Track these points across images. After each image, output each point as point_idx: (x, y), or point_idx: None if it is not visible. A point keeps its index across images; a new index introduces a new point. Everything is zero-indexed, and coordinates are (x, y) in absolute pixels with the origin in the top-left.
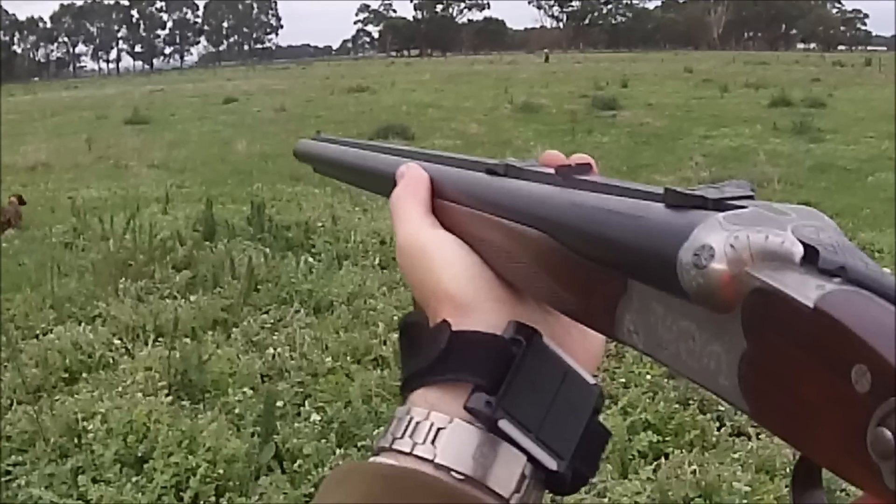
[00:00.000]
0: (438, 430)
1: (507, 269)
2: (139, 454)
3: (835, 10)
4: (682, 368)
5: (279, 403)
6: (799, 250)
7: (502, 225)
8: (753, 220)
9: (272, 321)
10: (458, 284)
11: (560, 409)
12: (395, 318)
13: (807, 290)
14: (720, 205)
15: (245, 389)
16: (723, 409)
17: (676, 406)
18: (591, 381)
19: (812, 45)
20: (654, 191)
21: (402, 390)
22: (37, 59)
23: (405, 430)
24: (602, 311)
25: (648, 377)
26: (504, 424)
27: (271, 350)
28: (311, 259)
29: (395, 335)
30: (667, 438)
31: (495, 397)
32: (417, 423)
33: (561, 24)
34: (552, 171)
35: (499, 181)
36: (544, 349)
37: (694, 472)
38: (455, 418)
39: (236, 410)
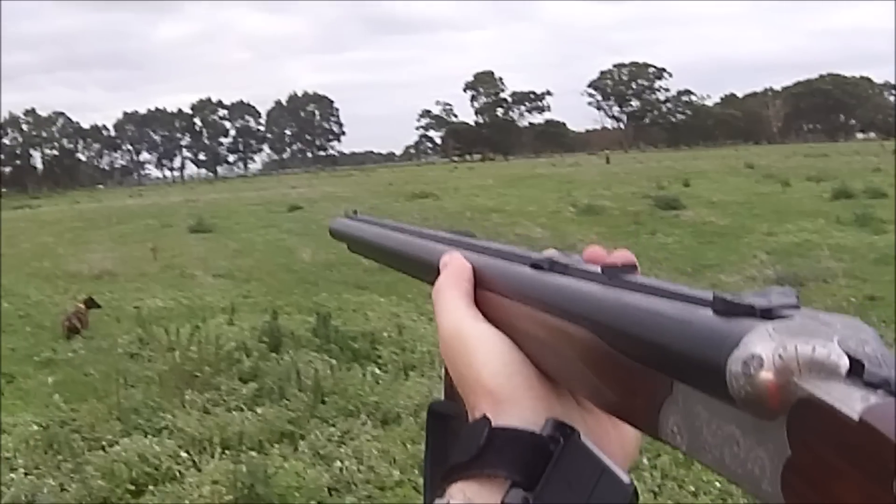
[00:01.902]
0: None
1: (549, 364)
2: None
3: (892, 98)
4: (725, 472)
5: None
6: (845, 363)
7: (547, 321)
8: (801, 330)
9: (339, 433)
10: (498, 381)
11: None
12: None
13: (852, 402)
14: (767, 314)
15: (312, 503)
16: None
17: None
18: (626, 479)
19: (871, 134)
20: (701, 296)
21: (442, 482)
22: (101, 166)
23: None
24: (646, 411)
25: (718, 485)
26: None
27: (338, 463)
28: (377, 370)
29: None
30: None
31: (532, 494)
32: None
33: (621, 124)
34: (597, 269)
35: (543, 276)
36: (581, 447)
37: None
38: None
39: None
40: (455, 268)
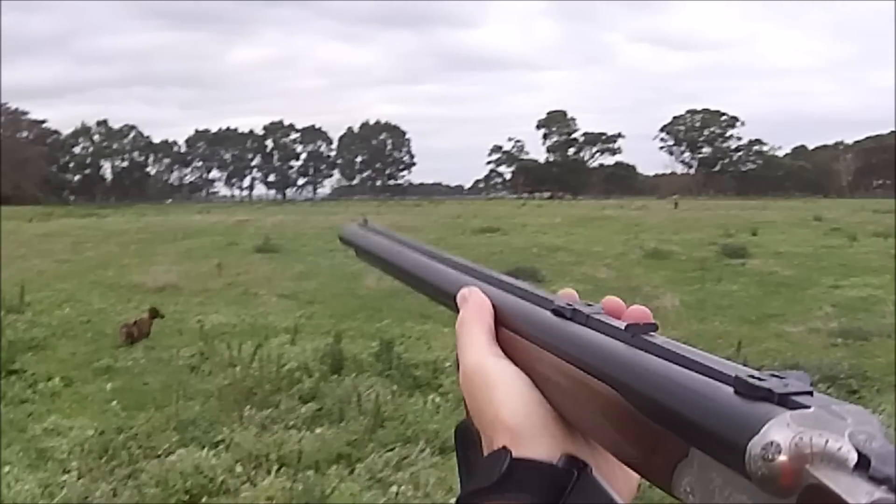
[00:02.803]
0: None
1: (567, 409)
2: None
3: None
4: None
5: None
6: (853, 457)
7: (569, 371)
8: (816, 422)
9: (396, 459)
10: (517, 420)
11: None
12: None
13: (857, 494)
14: (785, 400)
15: None
16: None
17: None
18: None
19: None
20: (723, 370)
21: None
22: (170, 181)
23: None
24: (662, 468)
25: None
26: None
27: (395, 488)
28: (437, 399)
29: None
30: None
31: None
32: None
33: (691, 170)
34: (621, 325)
35: (566, 326)
36: (593, 481)
37: None
38: None
39: None
40: (476, 304)
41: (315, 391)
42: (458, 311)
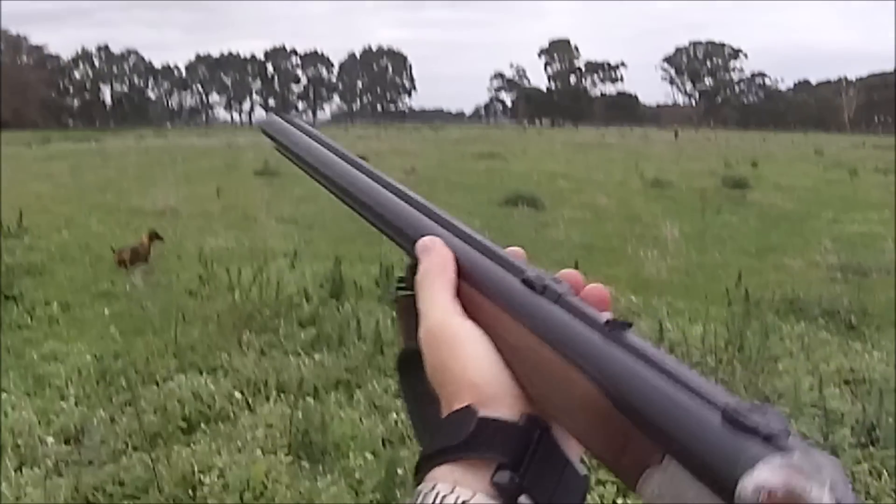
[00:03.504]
0: (464, 502)
1: (535, 386)
2: None
3: None
4: None
5: (399, 471)
6: None
7: (544, 352)
8: (802, 468)
9: (395, 386)
10: (485, 379)
11: (562, 492)
12: None
13: None
14: (771, 439)
15: (366, 454)
16: None
17: None
18: (583, 472)
19: None
20: (709, 395)
21: (423, 465)
22: (170, 105)
23: (434, 501)
24: (630, 467)
25: None
26: (524, 499)
27: (394, 415)
28: None
29: None
30: None
31: (517, 474)
32: (444, 496)
33: (693, 101)
34: (598, 316)
35: (539, 301)
36: (553, 442)
37: None
38: (477, 492)
39: (356, 475)
40: (439, 256)
41: (314, 316)
42: (407, 251)
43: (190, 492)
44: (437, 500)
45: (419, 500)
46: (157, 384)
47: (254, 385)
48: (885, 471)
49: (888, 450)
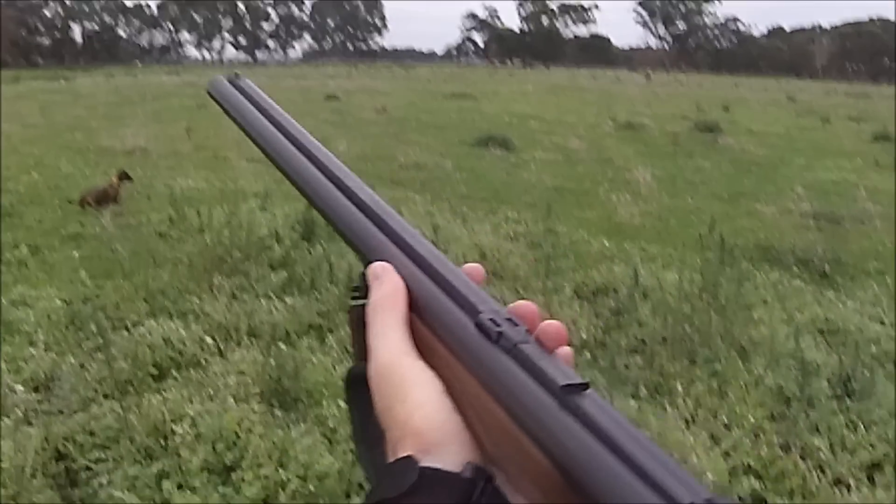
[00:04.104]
0: None
1: (488, 444)
2: (227, 463)
3: None
4: None
5: None
6: None
7: (497, 413)
8: None
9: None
10: (429, 426)
11: None
12: None
13: None
14: None
15: (339, 402)
16: (824, 456)
17: (779, 451)
18: None
19: None
20: (669, 489)
21: None
22: (141, 44)
23: None
24: None
25: (751, 419)
26: None
27: None
28: None
29: None
30: (767, 485)
31: None
32: None
33: (665, 45)
34: (555, 377)
35: (494, 354)
36: (497, 492)
37: None
38: None
39: (329, 423)
40: (391, 287)
41: (286, 259)
42: (360, 258)
43: (162, 441)
44: None
45: None
46: (128, 329)
47: (225, 330)
48: (861, 423)
49: (864, 402)
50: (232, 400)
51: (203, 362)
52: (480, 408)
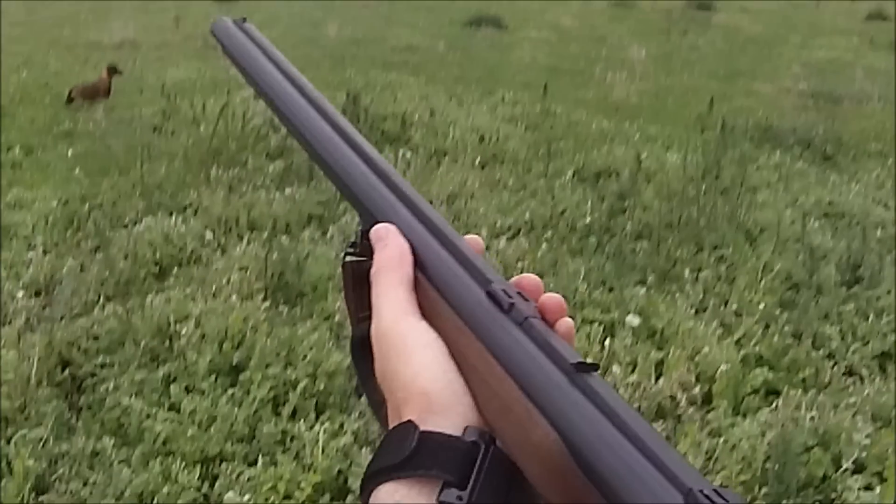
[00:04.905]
0: None
1: (490, 411)
2: (234, 363)
3: None
4: None
5: None
6: None
7: (504, 382)
8: None
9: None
10: (436, 387)
11: None
12: (498, 223)
13: None
14: None
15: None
16: (834, 345)
17: (790, 340)
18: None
19: None
20: (674, 472)
21: (367, 482)
22: None
23: None
24: None
25: (761, 306)
26: None
27: None
28: (409, 154)
29: (498, 242)
30: (780, 374)
31: (465, 492)
32: None
33: None
34: (566, 355)
35: (503, 323)
36: (500, 454)
37: (812, 418)
38: None
39: (336, 318)
40: (396, 249)
41: (282, 148)
42: (361, 219)
43: (167, 343)
44: None
45: None
46: (127, 227)
47: (225, 224)
48: (871, 311)
49: (873, 289)
50: (236, 297)
51: (204, 258)
52: (487, 374)
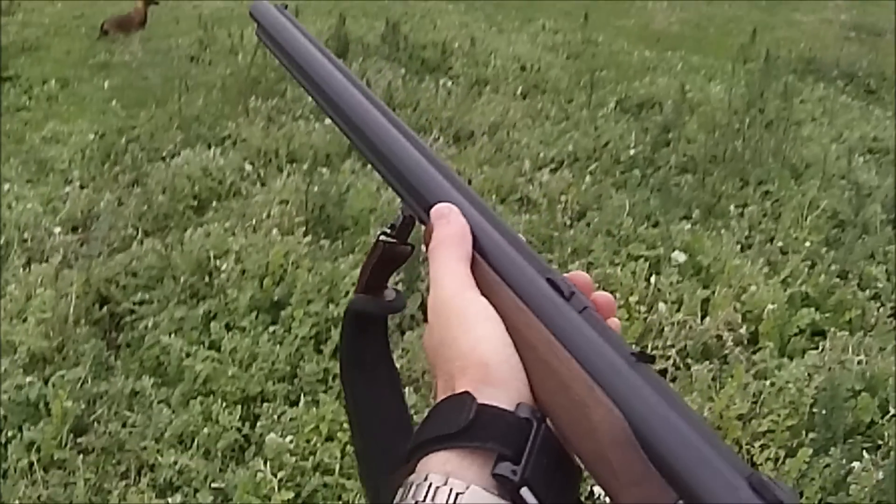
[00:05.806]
0: (458, 494)
1: (546, 393)
2: (275, 299)
3: None
4: None
5: (423, 247)
6: None
7: (572, 368)
8: None
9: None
10: (497, 358)
11: (560, 486)
12: (541, 154)
13: None
14: None
15: (385, 228)
16: (881, 286)
17: (836, 280)
18: (577, 462)
19: None
20: (732, 459)
21: (417, 450)
22: None
23: (426, 495)
24: (638, 499)
25: (807, 244)
26: (525, 492)
27: None
28: (449, 83)
29: (541, 174)
30: (826, 315)
31: (519, 467)
32: (437, 488)
33: None
34: (624, 343)
35: (569, 311)
36: (549, 431)
37: (860, 361)
38: (472, 485)
39: None
40: (456, 227)
41: None
42: (411, 207)
43: (206, 279)
44: (430, 494)
45: (410, 492)
46: (164, 160)
47: (264, 156)
48: None
49: None
50: (276, 232)
51: (243, 192)
52: (547, 354)
